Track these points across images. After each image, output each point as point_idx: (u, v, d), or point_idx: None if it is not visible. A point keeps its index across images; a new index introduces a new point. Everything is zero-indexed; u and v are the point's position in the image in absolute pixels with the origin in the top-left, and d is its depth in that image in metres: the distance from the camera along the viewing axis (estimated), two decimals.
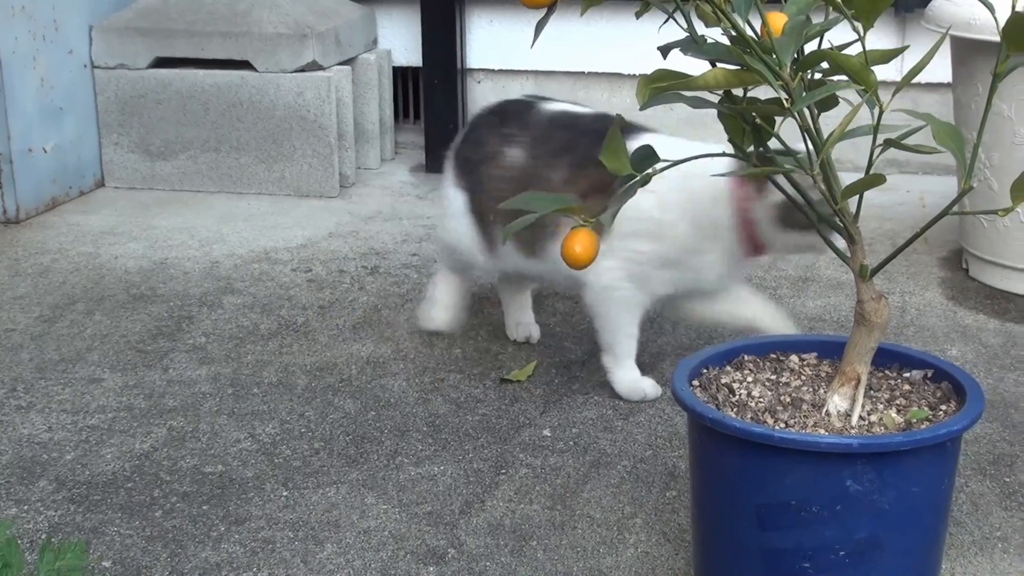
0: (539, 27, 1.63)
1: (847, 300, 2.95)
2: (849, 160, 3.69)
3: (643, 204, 2.02)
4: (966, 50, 2.86)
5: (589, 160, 2.23)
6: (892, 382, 1.76)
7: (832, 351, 1.81)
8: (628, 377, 2.42)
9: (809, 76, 1.56)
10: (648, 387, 2.42)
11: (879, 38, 3.63)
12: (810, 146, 1.57)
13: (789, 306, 2.91)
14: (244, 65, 3.77)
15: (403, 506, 2.05)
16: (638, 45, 1.68)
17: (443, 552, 1.93)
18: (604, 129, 1.76)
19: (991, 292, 2.99)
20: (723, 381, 1.74)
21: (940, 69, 2.99)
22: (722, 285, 2.39)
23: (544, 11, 1.60)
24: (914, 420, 1.65)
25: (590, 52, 4.02)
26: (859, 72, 1.51)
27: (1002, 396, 2.45)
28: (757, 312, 2.44)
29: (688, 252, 2.31)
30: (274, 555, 1.92)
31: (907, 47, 1.63)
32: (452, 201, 2.51)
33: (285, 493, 2.10)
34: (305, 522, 2.01)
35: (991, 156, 2.87)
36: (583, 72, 4.09)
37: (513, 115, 2.48)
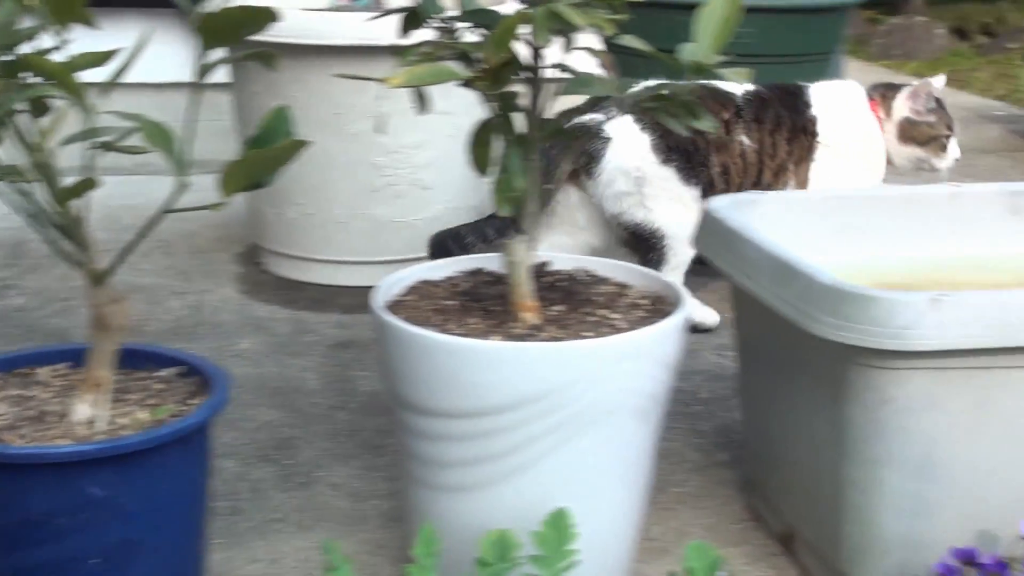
0: None
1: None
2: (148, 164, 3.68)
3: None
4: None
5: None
6: (144, 382, 1.77)
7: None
8: None
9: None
10: None
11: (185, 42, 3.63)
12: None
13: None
14: None
15: None
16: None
17: None
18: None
19: (284, 283, 3.11)
20: None
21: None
22: None
23: None
24: (161, 417, 1.67)
25: None
26: (60, 76, 1.50)
27: (288, 382, 2.55)
28: None
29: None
30: None
31: (118, 49, 1.63)
32: None
33: None
34: None
35: None
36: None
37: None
